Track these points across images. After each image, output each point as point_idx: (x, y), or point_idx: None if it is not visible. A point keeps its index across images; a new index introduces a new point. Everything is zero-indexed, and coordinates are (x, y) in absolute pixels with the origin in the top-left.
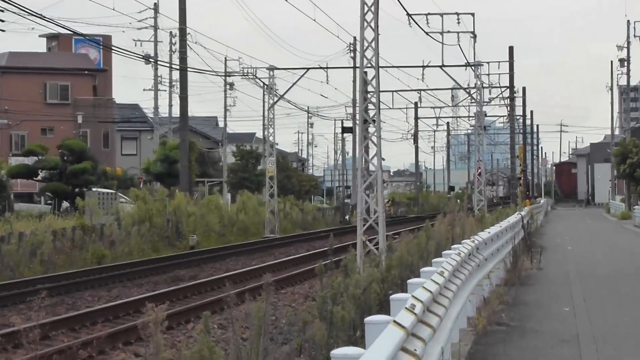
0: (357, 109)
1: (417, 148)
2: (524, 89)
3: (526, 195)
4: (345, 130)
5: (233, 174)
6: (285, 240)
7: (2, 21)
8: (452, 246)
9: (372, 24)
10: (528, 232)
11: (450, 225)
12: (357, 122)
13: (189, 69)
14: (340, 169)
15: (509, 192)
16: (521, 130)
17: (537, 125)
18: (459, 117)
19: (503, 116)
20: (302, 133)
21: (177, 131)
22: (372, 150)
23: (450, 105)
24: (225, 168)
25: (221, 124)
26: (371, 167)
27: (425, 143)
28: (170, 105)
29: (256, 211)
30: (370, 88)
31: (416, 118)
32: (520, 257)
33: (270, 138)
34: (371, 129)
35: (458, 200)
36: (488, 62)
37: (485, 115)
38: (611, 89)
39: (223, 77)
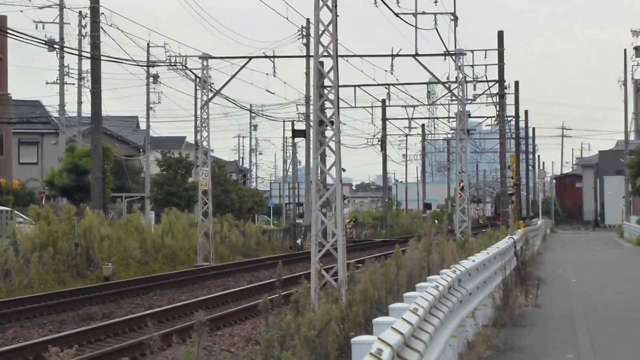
0: (312, 107)
1: (385, 156)
2: (516, 83)
3: (519, 215)
4: (296, 134)
5: (158, 187)
6: (222, 269)
7: None
8: (429, 277)
9: (329, 3)
10: (522, 261)
11: (425, 251)
12: (312, 124)
13: (102, 58)
14: (291, 182)
15: (498, 210)
16: (513, 135)
17: (534, 129)
18: (437, 118)
19: (491, 117)
20: (243, 137)
21: (88, 134)
22: (330, 159)
23: (426, 103)
24: (148, 180)
25: (143, 126)
26: (329, 180)
27: (395, 150)
28: (80, 102)
29: (186, 234)
30: (327, 82)
31: (384, 119)
32: (512, 291)
33: (204, 143)
34: (329, 133)
35: (435, 221)
36: (472, 51)
37: (469, 116)
38: (624, 84)
39: (145, 68)
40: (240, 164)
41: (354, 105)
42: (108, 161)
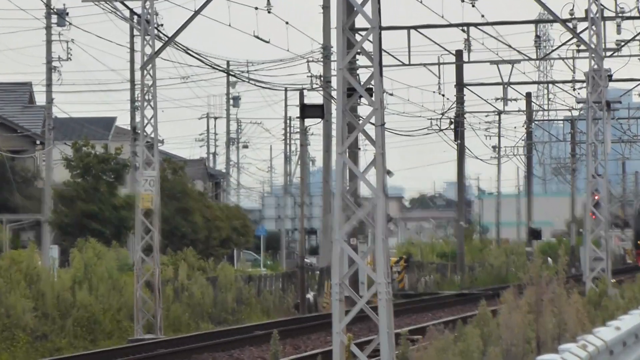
0: (334, 66)
1: (461, 149)
2: None
3: None
4: (307, 112)
5: (66, 204)
6: (177, 346)
7: None
8: (538, 358)
9: None
10: None
11: (532, 312)
12: (335, 94)
13: None
14: (299, 195)
15: None
16: None
17: None
18: (552, 82)
19: None
20: (216, 119)
21: None
22: (367, 155)
23: (534, 57)
24: (49, 193)
25: (40, 99)
26: (363, 191)
27: (480, 139)
28: None
29: (114, 285)
30: (361, 21)
31: (460, 85)
32: None
33: (148, 129)
34: (363, 110)
35: (549, 260)
36: None
37: (610, 79)
38: None
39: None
40: (211, 164)
41: (407, 63)
42: None
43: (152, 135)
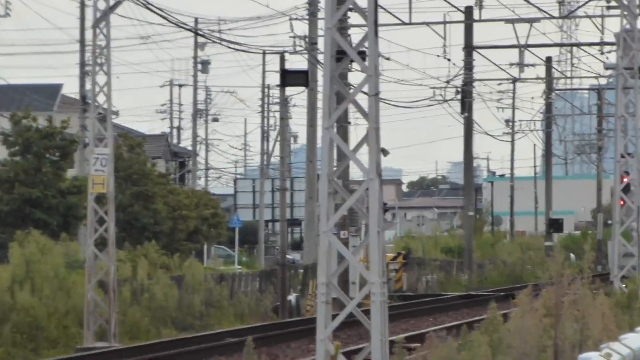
0: (321, 24)
1: (469, 124)
2: None
3: None
4: (289, 79)
5: (2, 188)
6: (133, 356)
7: None
8: None
9: None
10: None
11: (551, 316)
12: (322, 57)
13: None
14: (279, 178)
15: None
16: None
17: None
18: (577, 45)
19: None
20: (180, 87)
21: None
22: (359, 131)
23: (555, 15)
24: None
25: None
26: (355, 174)
27: (491, 112)
28: None
29: (61, 285)
30: None
31: (469, 48)
32: None
33: (100, 99)
34: (355, 77)
35: (571, 256)
36: None
37: None
38: None
39: None
40: (175, 140)
41: (407, 21)
42: None
43: (105, 106)
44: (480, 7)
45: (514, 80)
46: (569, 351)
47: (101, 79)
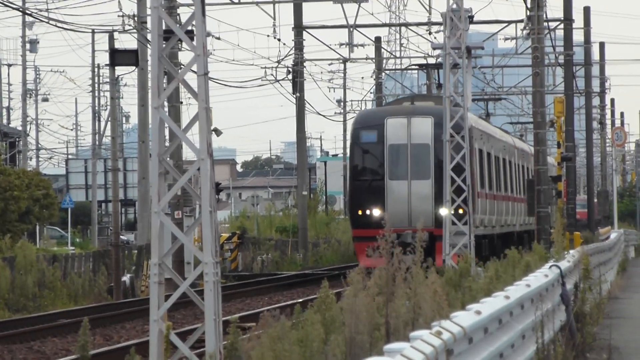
0: (150, 4)
1: (301, 104)
2: None
3: (574, 221)
4: (119, 59)
5: None
6: None
7: None
8: (387, 347)
9: None
10: (577, 313)
11: (383, 294)
12: (150, 36)
13: None
14: (111, 158)
15: (530, 211)
16: (560, 58)
17: (602, 45)
18: (405, 25)
19: (516, 21)
20: (10, 66)
21: None
22: (191, 110)
23: None
24: None
25: None
26: (187, 154)
27: (322, 93)
28: None
29: None
30: None
31: (299, 28)
32: None
33: None
34: (185, 57)
35: None
36: None
37: (471, 21)
38: None
39: None
40: (4, 120)
41: (237, 0)
42: None
43: None
44: None
45: (344, 61)
46: (402, 329)
47: None
